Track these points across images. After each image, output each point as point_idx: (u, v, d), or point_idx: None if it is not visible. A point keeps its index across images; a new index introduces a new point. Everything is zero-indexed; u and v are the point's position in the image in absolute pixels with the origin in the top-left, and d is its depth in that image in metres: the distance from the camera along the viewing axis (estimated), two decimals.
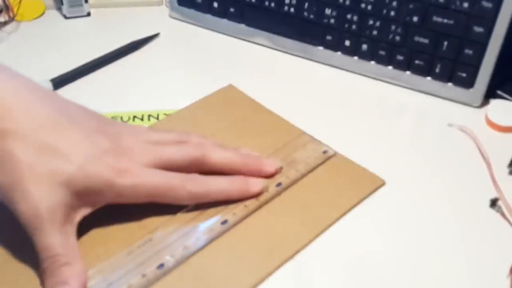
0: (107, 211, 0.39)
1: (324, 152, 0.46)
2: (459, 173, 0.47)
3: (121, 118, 0.51)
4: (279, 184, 0.43)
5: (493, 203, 0.44)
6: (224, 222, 0.40)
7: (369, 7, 0.55)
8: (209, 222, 0.40)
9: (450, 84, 0.54)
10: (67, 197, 0.36)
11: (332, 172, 0.45)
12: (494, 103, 0.53)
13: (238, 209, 0.41)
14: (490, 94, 0.54)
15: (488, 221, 0.43)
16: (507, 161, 0.47)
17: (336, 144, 0.49)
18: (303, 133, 0.48)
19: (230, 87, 0.53)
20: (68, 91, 0.55)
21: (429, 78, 0.55)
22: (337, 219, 0.41)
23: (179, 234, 0.39)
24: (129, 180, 0.37)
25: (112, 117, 0.51)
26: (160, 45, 0.62)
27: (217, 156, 0.41)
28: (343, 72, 0.58)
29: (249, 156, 0.43)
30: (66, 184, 0.36)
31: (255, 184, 0.41)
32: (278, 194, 0.42)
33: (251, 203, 0.41)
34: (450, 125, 0.52)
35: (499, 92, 0.54)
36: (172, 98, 0.54)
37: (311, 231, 0.40)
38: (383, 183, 0.45)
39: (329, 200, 0.42)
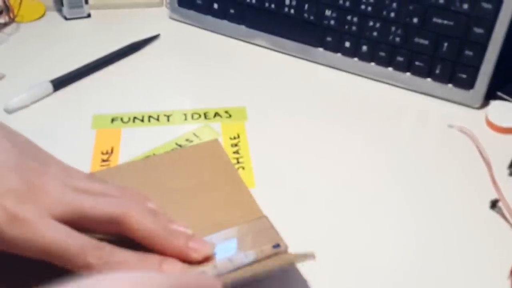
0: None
1: (274, 246, 0.36)
2: (459, 174, 0.47)
3: (121, 119, 0.51)
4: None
5: (493, 204, 0.44)
6: None
7: (369, 9, 0.55)
8: None
9: (450, 85, 0.54)
10: None
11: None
12: (494, 104, 0.53)
13: None
14: (490, 95, 0.54)
15: (488, 223, 0.43)
16: (507, 162, 0.47)
17: (335, 145, 0.49)
18: (262, 217, 0.39)
19: (215, 142, 0.47)
20: (68, 92, 0.55)
21: (429, 79, 0.55)
22: None
23: None
24: (18, 231, 0.32)
25: (113, 118, 0.51)
26: (160, 46, 0.62)
27: (140, 222, 0.34)
28: (343, 73, 0.58)
29: (178, 234, 0.35)
30: None
31: (169, 269, 0.34)
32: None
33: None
34: (450, 126, 0.52)
35: (499, 93, 0.54)
36: (172, 99, 0.54)
37: None
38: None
39: None
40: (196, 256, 0.35)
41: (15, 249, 0.33)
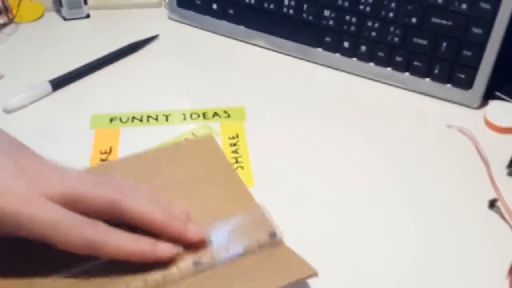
0: None
1: (270, 235, 0.37)
2: (458, 174, 0.47)
3: (120, 119, 0.51)
4: (197, 264, 0.35)
5: (492, 204, 0.44)
6: None
7: (368, 9, 0.55)
8: None
9: (448, 85, 0.55)
10: None
11: (266, 259, 0.37)
12: (493, 104, 0.53)
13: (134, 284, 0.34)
14: (488, 95, 0.54)
15: (487, 222, 0.43)
16: (506, 162, 0.47)
17: (335, 145, 0.49)
18: (258, 208, 0.40)
19: (209, 138, 0.47)
20: (67, 92, 0.55)
21: (427, 79, 0.55)
22: None
23: None
24: (15, 207, 0.31)
25: (111, 118, 0.51)
26: (159, 46, 0.62)
27: (136, 206, 0.35)
28: (342, 73, 0.58)
29: (174, 217, 0.36)
30: None
31: (165, 250, 0.35)
32: (192, 274, 0.35)
33: (151, 280, 0.34)
34: (449, 126, 0.52)
35: (497, 93, 0.54)
36: (171, 99, 0.54)
37: None
38: (314, 273, 0.35)
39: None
40: (192, 236, 0.36)
41: (7, 227, 0.32)
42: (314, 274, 0.35)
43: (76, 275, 0.34)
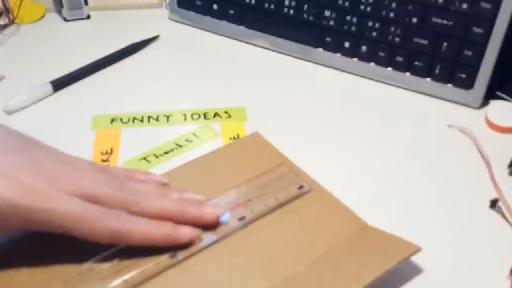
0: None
1: (300, 187, 0.42)
2: (459, 174, 0.47)
3: (121, 119, 0.51)
4: (242, 218, 0.39)
5: (493, 204, 0.43)
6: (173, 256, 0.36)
7: (369, 9, 0.55)
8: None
9: (449, 85, 0.54)
10: None
11: (310, 210, 0.40)
12: (494, 104, 0.53)
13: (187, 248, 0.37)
14: (489, 95, 0.54)
15: (488, 222, 0.43)
16: (507, 162, 0.47)
17: (335, 145, 0.49)
18: (284, 162, 0.44)
19: (256, 135, 0.48)
20: (68, 93, 0.55)
21: (428, 79, 0.55)
22: (303, 264, 0.36)
23: None
24: (39, 203, 0.33)
25: (112, 119, 0.51)
26: (160, 47, 0.62)
27: (152, 206, 0.37)
28: (343, 73, 0.58)
29: (188, 204, 0.38)
30: None
31: (185, 233, 0.37)
32: (240, 228, 0.38)
33: (207, 238, 0.37)
34: (450, 126, 0.52)
35: (498, 93, 0.54)
36: (171, 100, 0.54)
37: (268, 278, 0.35)
38: (363, 225, 0.39)
39: (301, 242, 0.38)
40: (209, 217, 0.38)
41: (35, 223, 0.33)
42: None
43: (99, 261, 0.36)
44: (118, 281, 0.34)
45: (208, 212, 0.38)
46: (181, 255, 0.36)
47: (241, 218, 0.39)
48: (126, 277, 0.35)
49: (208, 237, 0.37)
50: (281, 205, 0.40)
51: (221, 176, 0.43)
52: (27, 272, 0.35)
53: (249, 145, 0.47)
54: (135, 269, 0.35)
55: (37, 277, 0.35)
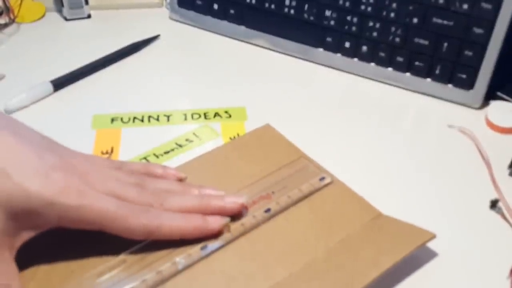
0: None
1: (321, 179, 0.43)
2: (459, 174, 0.47)
3: (121, 119, 0.51)
4: (268, 210, 0.40)
5: (493, 204, 0.43)
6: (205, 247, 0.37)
7: (369, 9, 0.55)
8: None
9: (450, 85, 0.54)
10: (1, 222, 0.32)
11: (326, 201, 0.41)
12: (494, 104, 0.53)
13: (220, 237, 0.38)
14: (490, 95, 0.54)
15: (488, 223, 0.43)
16: (507, 162, 0.47)
17: (335, 145, 0.49)
18: (302, 156, 0.45)
19: (268, 127, 0.49)
20: (68, 93, 0.55)
21: (429, 79, 0.55)
22: (321, 252, 0.37)
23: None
24: (74, 200, 0.33)
25: (113, 119, 0.51)
26: (160, 46, 0.62)
27: (176, 205, 0.38)
28: (343, 73, 0.58)
29: (209, 197, 0.39)
30: (2, 205, 0.32)
31: (214, 222, 0.38)
32: (266, 220, 0.39)
33: (234, 230, 0.38)
34: (450, 126, 0.52)
35: (499, 93, 0.54)
36: (172, 100, 0.54)
37: (287, 267, 0.36)
38: (378, 213, 0.40)
39: (318, 230, 0.39)
40: (232, 206, 0.39)
41: (70, 220, 0.34)
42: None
43: (131, 253, 0.37)
44: (151, 273, 0.35)
45: (231, 201, 0.39)
46: (211, 246, 0.37)
47: (267, 210, 0.40)
48: (159, 269, 0.36)
49: (235, 228, 0.38)
50: (304, 197, 0.41)
51: (238, 169, 0.44)
52: (63, 265, 0.36)
53: (262, 137, 0.48)
54: (167, 262, 0.36)
55: (71, 269, 0.36)
